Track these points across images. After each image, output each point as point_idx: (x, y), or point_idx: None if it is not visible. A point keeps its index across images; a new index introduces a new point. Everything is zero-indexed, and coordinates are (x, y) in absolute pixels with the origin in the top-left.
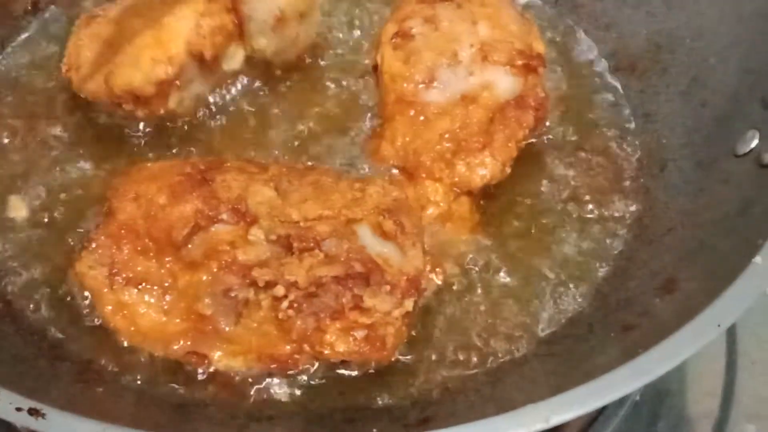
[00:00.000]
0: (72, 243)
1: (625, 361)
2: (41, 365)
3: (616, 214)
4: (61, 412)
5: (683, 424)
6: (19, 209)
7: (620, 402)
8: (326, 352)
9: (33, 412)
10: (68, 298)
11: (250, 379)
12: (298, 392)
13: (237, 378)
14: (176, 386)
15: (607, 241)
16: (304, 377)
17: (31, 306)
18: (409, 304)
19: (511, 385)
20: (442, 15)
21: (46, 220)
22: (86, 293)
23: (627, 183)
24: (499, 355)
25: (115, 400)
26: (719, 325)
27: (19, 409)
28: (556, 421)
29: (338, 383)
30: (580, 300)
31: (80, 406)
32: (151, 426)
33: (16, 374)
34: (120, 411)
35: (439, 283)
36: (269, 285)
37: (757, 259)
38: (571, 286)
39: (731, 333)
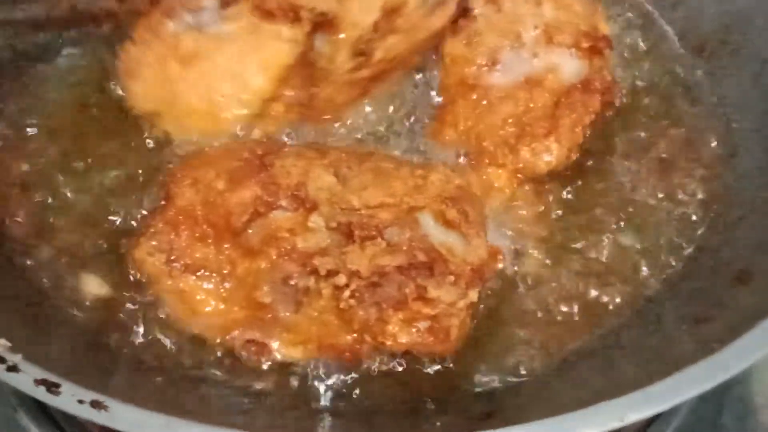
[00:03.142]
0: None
1: (701, 356)
2: (102, 356)
3: (687, 201)
4: (123, 404)
5: (749, 414)
6: None
7: None
8: (388, 342)
9: (96, 404)
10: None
11: (311, 370)
12: (359, 384)
13: (298, 368)
14: (236, 376)
15: (677, 229)
16: (366, 369)
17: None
18: (473, 295)
19: (577, 377)
20: None
21: None
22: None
23: (697, 169)
24: (565, 345)
25: (174, 390)
26: None
27: (81, 402)
28: (632, 419)
29: (401, 375)
30: (648, 290)
31: (141, 397)
32: (215, 419)
33: (78, 366)
34: (179, 400)
35: (503, 272)
36: (330, 274)
37: None
38: (639, 275)
39: None
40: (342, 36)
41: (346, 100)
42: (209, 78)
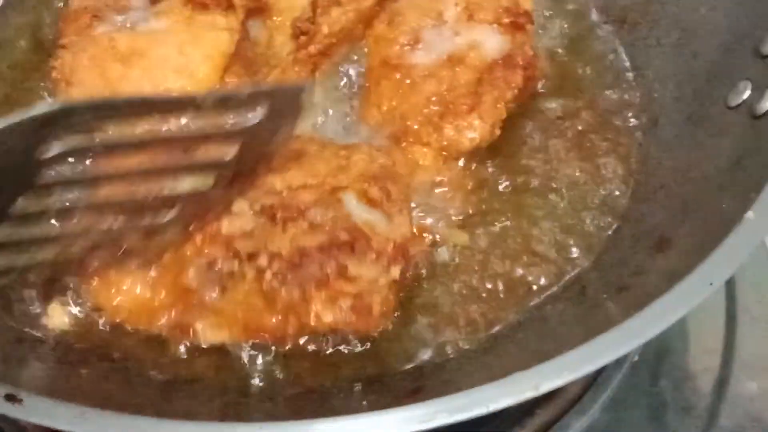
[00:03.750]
0: None
1: (617, 323)
2: (21, 349)
3: (609, 174)
4: (39, 397)
5: (684, 382)
6: None
7: (618, 363)
8: (312, 322)
9: (10, 397)
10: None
11: (238, 355)
12: (286, 366)
13: (224, 353)
14: (162, 363)
15: (599, 200)
16: (292, 350)
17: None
18: (395, 272)
19: (503, 352)
20: None
21: None
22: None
23: (619, 140)
24: (491, 322)
25: (99, 381)
26: (712, 284)
27: None
28: (546, 388)
29: (328, 356)
30: (572, 262)
31: (63, 390)
32: (134, 407)
33: None
34: (105, 393)
35: (429, 250)
36: (253, 256)
37: (749, 214)
38: (562, 248)
39: (731, 289)
40: (277, 19)
41: (297, 79)
42: (153, 73)
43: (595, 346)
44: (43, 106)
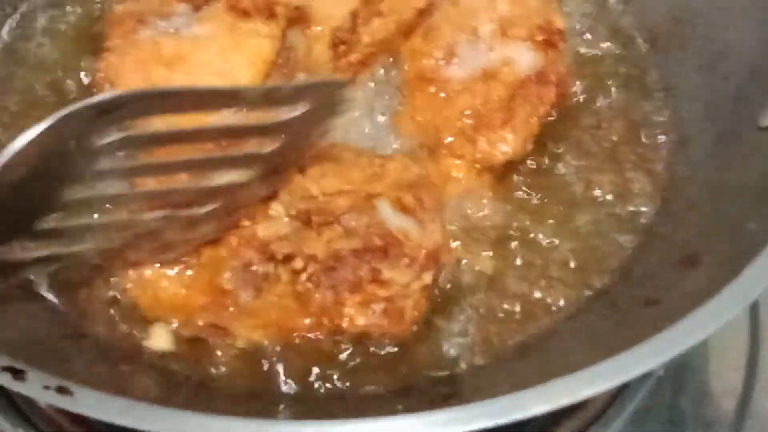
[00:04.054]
0: None
1: (648, 337)
2: (64, 345)
3: (639, 189)
4: (88, 390)
5: (706, 399)
6: None
7: (644, 377)
8: (345, 324)
9: (61, 390)
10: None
11: (271, 355)
12: (319, 369)
13: (257, 354)
14: (198, 362)
15: (630, 215)
16: (326, 354)
17: (51, 283)
18: (427, 277)
19: (533, 362)
20: None
21: None
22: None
23: (649, 157)
24: (520, 332)
25: (138, 377)
26: (743, 301)
27: (47, 388)
28: (582, 395)
29: (360, 360)
30: (602, 275)
31: (105, 385)
32: (178, 403)
33: (41, 354)
34: (144, 389)
35: (460, 257)
36: (288, 258)
37: None
38: (593, 261)
39: (754, 307)
40: (316, 28)
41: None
42: (196, 78)
43: (629, 357)
44: (98, 96)
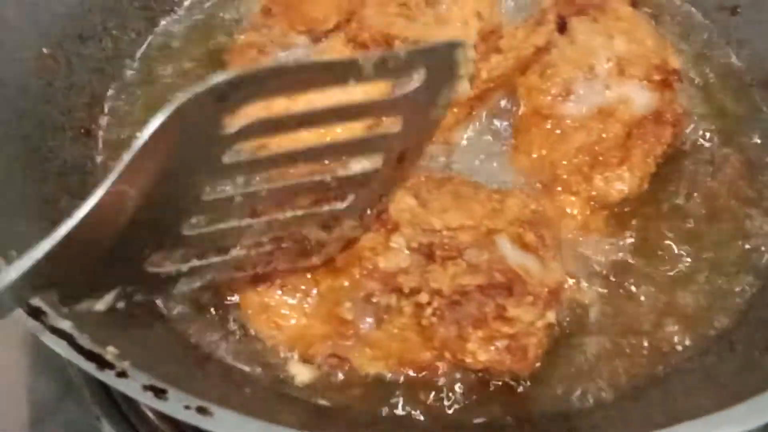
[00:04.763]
0: None
1: None
2: (191, 366)
3: (757, 228)
4: (228, 411)
5: None
6: None
7: None
8: (468, 360)
9: (201, 410)
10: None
11: (391, 385)
12: (437, 401)
13: (378, 383)
14: (317, 389)
15: (750, 255)
16: (444, 384)
17: (175, 305)
18: (551, 316)
19: (649, 403)
20: (578, 28)
21: None
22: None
23: (764, 192)
24: (639, 369)
25: (261, 401)
26: None
27: (187, 408)
28: None
29: (479, 394)
30: (720, 316)
31: (233, 405)
32: (312, 427)
33: (172, 374)
34: (266, 412)
35: (577, 295)
36: (413, 292)
37: None
38: (711, 302)
39: None
40: None
41: (452, 122)
42: None
43: (757, 404)
44: (217, 76)
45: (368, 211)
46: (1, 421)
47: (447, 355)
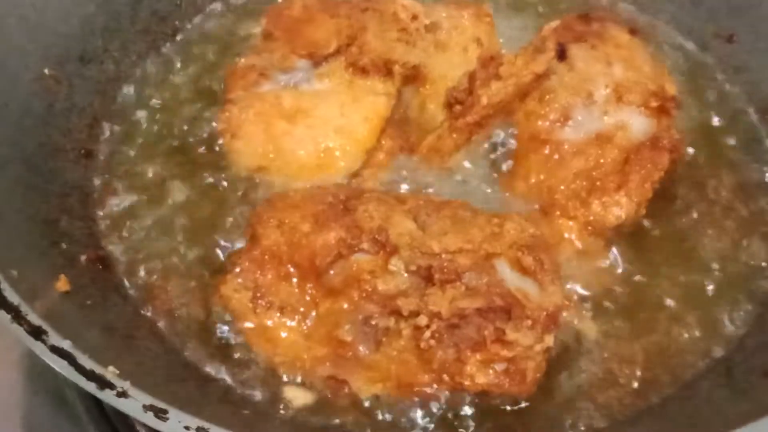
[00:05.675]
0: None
1: None
2: (190, 387)
3: (753, 257)
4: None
5: None
6: None
7: None
8: (466, 383)
9: (201, 431)
10: (208, 321)
11: (389, 407)
12: (435, 423)
13: (374, 405)
14: (315, 411)
15: (745, 283)
16: (442, 407)
17: (174, 326)
18: (549, 340)
19: (654, 428)
20: (577, 55)
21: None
22: (227, 317)
23: (762, 226)
24: (637, 395)
25: (259, 423)
26: None
27: (187, 428)
28: None
29: (475, 412)
30: (717, 343)
31: (231, 428)
32: None
33: (170, 394)
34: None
35: (574, 319)
36: (412, 314)
37: None
38: (707, 329)
39: None
40: (430, 88)
41: (451, 148)
42: (316, 132)
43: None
44: None
45: None
46: None
47: (445, 377)
